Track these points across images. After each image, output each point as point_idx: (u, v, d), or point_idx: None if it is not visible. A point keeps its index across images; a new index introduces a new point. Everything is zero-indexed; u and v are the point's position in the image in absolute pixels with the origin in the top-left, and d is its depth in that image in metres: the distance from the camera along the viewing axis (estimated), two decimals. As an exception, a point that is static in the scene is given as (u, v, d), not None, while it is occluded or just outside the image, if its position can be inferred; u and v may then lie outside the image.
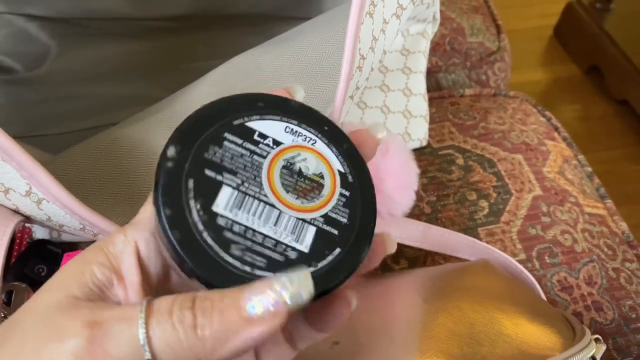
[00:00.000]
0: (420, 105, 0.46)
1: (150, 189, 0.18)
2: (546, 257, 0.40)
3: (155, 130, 0.35)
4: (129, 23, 0.51)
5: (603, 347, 0.28)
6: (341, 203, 0.20)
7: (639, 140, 1.10)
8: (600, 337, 0.28)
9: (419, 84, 0.46)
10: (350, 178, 0.20)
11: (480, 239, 0.40)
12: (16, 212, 0.28)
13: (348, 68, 0.28)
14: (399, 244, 0.37)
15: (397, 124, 0.45)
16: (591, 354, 0.27)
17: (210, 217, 0.18)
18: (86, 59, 0.51)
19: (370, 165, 0.21)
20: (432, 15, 0.46)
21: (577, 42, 1.20)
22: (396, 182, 0.34)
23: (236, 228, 0.18)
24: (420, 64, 0.46)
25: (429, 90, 0.56)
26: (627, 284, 0.41)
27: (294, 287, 0.16)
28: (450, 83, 0.56)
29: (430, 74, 0.56)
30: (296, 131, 0.20)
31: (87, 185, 0.32)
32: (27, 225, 0.35)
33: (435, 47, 0.56)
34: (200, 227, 0.18)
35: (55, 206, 0.25)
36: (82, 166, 0.33)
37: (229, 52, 0.55)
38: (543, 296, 0.36)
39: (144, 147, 0.34)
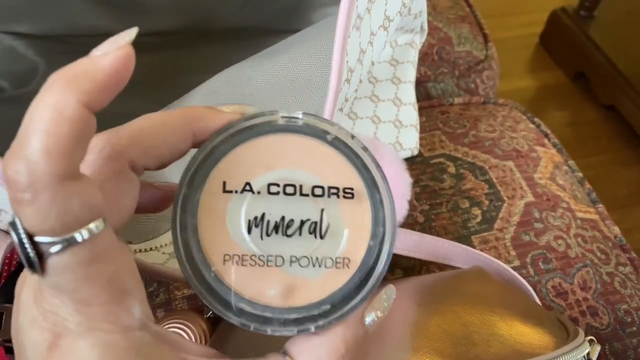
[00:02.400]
0: (410, 114, 0.46)
1: None
2: (540, 263, 0.40)
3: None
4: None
5: (598, 347, 0.28)
6: None
7: (627, 144, 1.11)
8: (594, 339, 0.28)
9: (409, 93, 0.46)
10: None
11: (474, 247, 0.40)
12: (8, 233, 0.28)
13: (336, 81, 0.28)
14: (393, 254, 0.37)
15: (388, 133, 0.45)
16: (584, 353, 0.27)
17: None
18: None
19: None
20: (420, 25, 0.46)
21: (563, 49, 1.21)
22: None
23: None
24: (410, 73, 0.47)
25: (418, 99, 0.56)
26: (622, 288, 0.41)
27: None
28: (439, 92, 0.56)
29: (420, 83, 0.56)
30: None
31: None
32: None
33: (424, 57, 0.56)
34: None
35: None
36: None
37: (218, 66, 0.55)
38: (538, 302, 0.36)
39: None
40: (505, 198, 0.43)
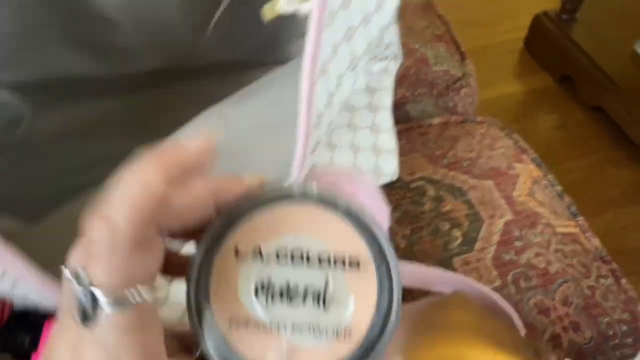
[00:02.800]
0: (388, 140, 0.47)
1: None
2: (521, 282, 0.41)
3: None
4: (100, 82, 0.52)
5: None
6: None
7: (616, 144, 1.12)
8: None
9: (386, 119, 0.47)
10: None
11: (455, 269, 0.41)
12: None
13: (304, 129, 0.29)
14: None
15: (367, 161, 0.46)
16: None
17: None
18: (61, 121, 0.52)
19: None
20: (394, 53, 0.48)
21: (548, 53, 1.22)
22: None
23: None
24: (386, 100, 0.48)
25: (398, 121, 0.58)
26: (603, 301, 0.42)
27: None
28: (419, 113, 0.58)
29: (399, 105, 0.57)
30: None
31: (63, 253, 0.32)
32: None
33: (402, 79, 0.57)
34: None
35: (30, 286, 0.26)
36: (61, 235, 0.34)
37: (202, 102, 0.56)
38: (518, 322, 0.36)
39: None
40: (485, 218, 0.44)
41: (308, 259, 0.19)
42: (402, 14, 0.63)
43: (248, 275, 0.19)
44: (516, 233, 0.44)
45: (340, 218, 0.19)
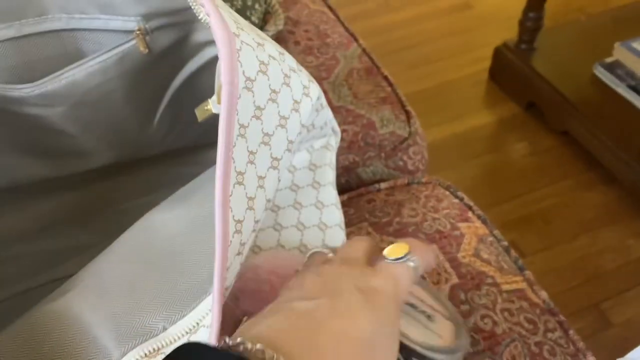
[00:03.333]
0: (333, 215, 0.49)
1: None
2: (469, 347, 0.42)
3: (73, 304, 0.37)
4: (55, 181, 0.54)
5: None
6: None
7: (587, 167, 1.14)
8: None
9: (330, 195, 0.49)
10: None
11: (404, 340, 0.43)
12: None
13: (221, 240, 0.30)
14: None
15: (313, 238, 0.48)
16: None
17: None
18: (20, 219, 0.54)
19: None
20: (331, 129, 0.50)
21: (512, 82, 1.25)
22: None
23: None
24: (328, 176, 0.50)
25: (351, 186, 0.59)
26: (551, 356, 0.43)
27: None
28: (370, 175, 0.59)
29: (350, 170, 0.59)
30: None
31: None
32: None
33: (350, 145, 0.59)
34: None
35: None
36: (10, 352, 0.35)
37: (157, 187, 0.58)
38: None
39: (63, 324, 0.36)
40: (431, 284, 0.46)
41: (422, 301, 0.38)
42: (347, 80, 0.66)
43: None
44: (462, 297, 0.45)
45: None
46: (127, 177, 0.57)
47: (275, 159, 0.36)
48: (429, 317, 0.36)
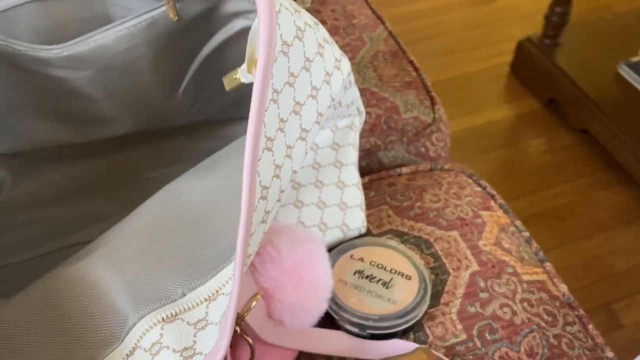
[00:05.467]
0: (355, 195, 0.48)
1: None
2: (487, 334, 0.42)
3: (92, 269, 0.37)
4: (76, 147, 0.54)
5: None
6: None
7: (604, 166, 1.13)
8: None
9: (352, 175, 0.49)
10: None
11: (421, 324, 0.42)
12: None
13: (247, 204, 0.30)
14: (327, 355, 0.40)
15: (334, 217, 0.47)
16: None
17: None
18: (40, 185, 0.54)
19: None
20: (356, 109, 0.49)
21: (533, 77, 1.24)
22: (309, 290, 0.36)
23: None
24: (351, 156, 0.49)
25: (371, 169, 0.59)
26: (569, 349, 0.42)
27: None
28: (391, 159, 0.59)
29: (371, 153, 0.58)
30: None
31: (22, 339, 0.34)
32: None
33: (373, 128, 0.59)
34: None
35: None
36: (19, 319, 0.35)
37: (177, 159, 0.58)
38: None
39: (81, 287, 0.36)
40: (450, 270, 0.45)
41: (385, 268, 0.43)
42: (372, 63, 0.65)
43: (354, 267, 0.43)
44: (482, 284, 0.44)
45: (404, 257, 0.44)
46: (148, 148, 0.57)
47: (304, 130, 0.36)
48: (385, 284, 0.41)
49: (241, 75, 0.38)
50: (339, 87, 0.39)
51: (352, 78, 0.43)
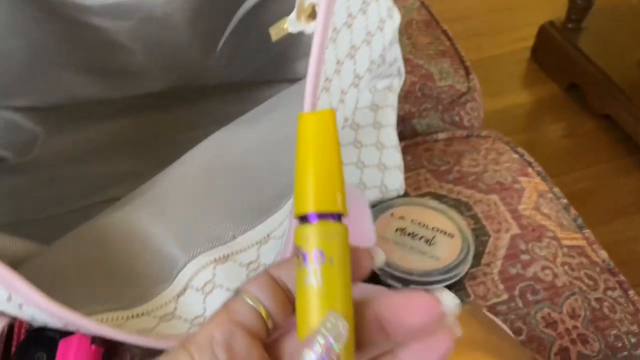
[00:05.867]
0: (394, 157, 0.48)
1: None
2: (528, 295, 0.41)
3: (138, 214, 0.37)
4: (111, 104, 0.53)
5: None
6: None
7: (626, 152, 1.12)
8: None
9: (391, 137, 0.48)
10: None
11: (463, 283, 0.42)
12: (3, 314, 0.30)
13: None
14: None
15: (373, 177, 0.47)
16: None
17: None
18: (73, 141, 0.54)
19: None
20: (397, 70, 0.48)
21: (555, 62, 1.22)
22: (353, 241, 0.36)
23: None
24: (390, 117, 0.48)
25: (405, 136, 0.58)
26: (611, 313, 0.42)
27: (332, 333, 0.18)
28: (425, 127, 0.58)
29: (405, 120, 0.58)
30: None
31: (73, 276, 0.33)
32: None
33: (407, 95, 0.58)
34: None
35: (34, 309, 0.27)
36: (69, 257, 0.35)
37: (211, 121, 0.57)
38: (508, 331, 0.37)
39: (127, 231, 0.36)
40: (491, 232, 0.45)
41: (426, 226, 0.42)
42: (406, 30, 0.64)
43: (395, 225, 0.42)
44: (522, 247, 0.44)
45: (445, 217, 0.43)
46: (181, 109, 0.56)
47: (357, 76, 0.35)
48: (428, 241, 0.41)
49: (289, 24, 0.38)
50: (390, 37, 0.38)
51: (397, 34, 0.43)
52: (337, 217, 0.20)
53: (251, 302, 0.19)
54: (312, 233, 0.19)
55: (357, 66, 0.35)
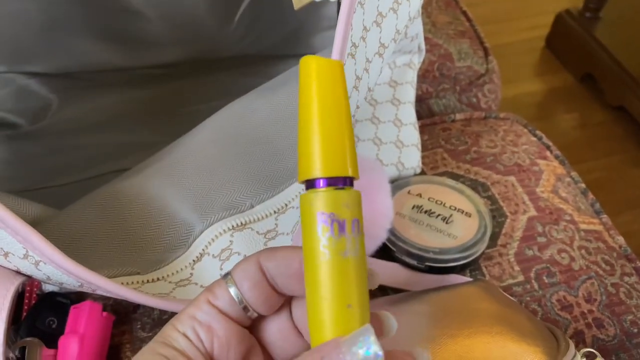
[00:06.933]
0: (411, 134, 0.47)
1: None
2: (544, 277, 0.41)
3: (153, 182, 0.36)
4: (124, 73, 0.53)
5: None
6: None
7: (639, 144, 1.10)
8: (593, 351, 0.29)
9: (409, 114, 0.47)
10: None
11: (479, 264, 0.41)
12: (18, 272, 0.30)
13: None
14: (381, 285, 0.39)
15: (390, 154, 0.46)
16: None
17: None
18: (86, 110, 0.53)
19: None
20: (417, 46, 0.47)
21: (570, 51, 1.21)
22: (370, 218, 0.35)
23: None
24: (409, 94, 0.48)
25: (421, 116, 0.57)
26: (627, 299, 0.41)
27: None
28: (442, 108, 0.57)
29: (422, 100, 0.57)
30: None
31: (88, 240, 0.33)
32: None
33: (425, 74, 0.57)
34: None
35: (51, 267, 0.26)
36: (83, 221, 0.34)
37: (225, 94, 0.57)
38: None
39: (142, 198, 0.35)
40: (508, 213, 0.44)
41: (444, 205, 0.42)
42: (426, 9, 0.63)
43: (412, 202, 0.42)
44: (539, 229, 0.43)
45: (463, 196, 0.42)
46: (196, 81, 0.55)
47: (383, 45, 0.34)
48: (445, 219, 0.41)
49: (312, -7, 0.37)
50: (416, 7, 0.37)
51: (420, 9, 0.42)
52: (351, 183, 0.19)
53: (233, 294, 0.20)
54: (350, 199, 0.18)
55: (383, 34, 0.34)
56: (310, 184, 0.18)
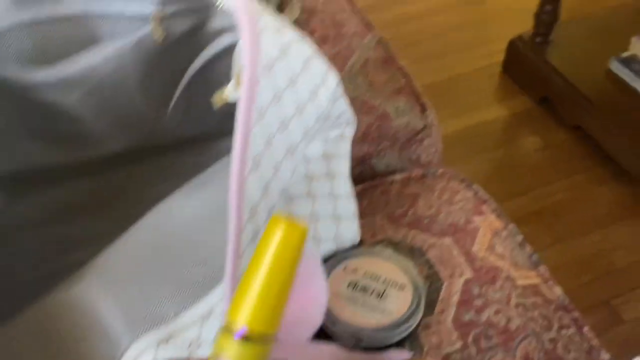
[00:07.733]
0: (347, 206, 0.48)
1: None
2: (482, 341, 0.42)
3: (86, 294, 0.37)
4: (69, 167, 0.54)
5: None
6: None
7: (599, 162, 1.13)
8: None
9: (344, 186, 0.49)
10: None
11: (417, 334, 0.42)
12: None
13: (235, 227, 0.30)
14: None
15: (327, 230, 0.47)
16: None
17: None
18: (35, 205, 0.54)
19: None
20: (347, 119, 0.49)
21: (525, 76, 1.24)
22: (306, 307, 0.36)
23: None
24: (343, 166, 0.49)
25: (364, 178, 0.59)
26: (565, 353, 0.42)
27: None
28: (383, 167, 0.59)
29: (364, 161, 0.59)
30: None
31: (19, 358, 0.34)
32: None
33: (364, 136, 0.59)
34: None
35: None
36: (16, 339, 0.35)
37: (172, 176, 0.58)
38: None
39: (75, 313, 0.36)
40: (444, 278, 0.45)
41: (378, 279, 0.43)
42: (364, 69, 0.65)
43: (347, 279, 0.43)
44: (476, 291, 0.45)
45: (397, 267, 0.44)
46: (140, 166, 0.57)
47: (292, 146, 0.36)
48: (379, 295, 0.42)
49: (229, 94, 0.39)
50: (326, 101, 0.39)
51: (341, 89, 0.44)
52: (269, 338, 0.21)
53: None
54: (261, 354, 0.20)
55: (291, 136, 0.35)
56: (230, 329, 0.20)
